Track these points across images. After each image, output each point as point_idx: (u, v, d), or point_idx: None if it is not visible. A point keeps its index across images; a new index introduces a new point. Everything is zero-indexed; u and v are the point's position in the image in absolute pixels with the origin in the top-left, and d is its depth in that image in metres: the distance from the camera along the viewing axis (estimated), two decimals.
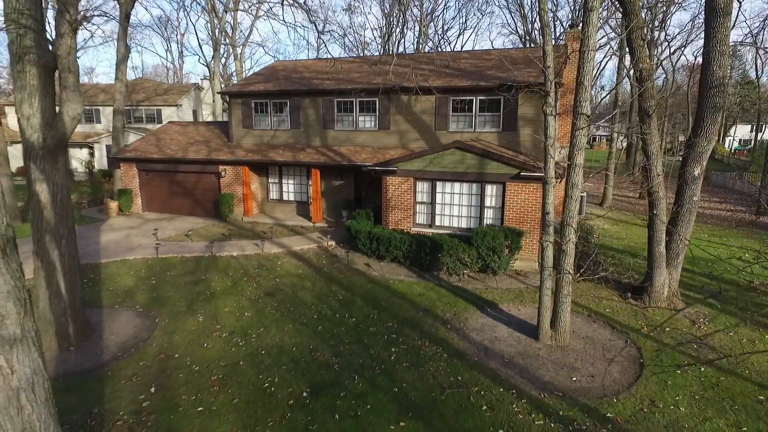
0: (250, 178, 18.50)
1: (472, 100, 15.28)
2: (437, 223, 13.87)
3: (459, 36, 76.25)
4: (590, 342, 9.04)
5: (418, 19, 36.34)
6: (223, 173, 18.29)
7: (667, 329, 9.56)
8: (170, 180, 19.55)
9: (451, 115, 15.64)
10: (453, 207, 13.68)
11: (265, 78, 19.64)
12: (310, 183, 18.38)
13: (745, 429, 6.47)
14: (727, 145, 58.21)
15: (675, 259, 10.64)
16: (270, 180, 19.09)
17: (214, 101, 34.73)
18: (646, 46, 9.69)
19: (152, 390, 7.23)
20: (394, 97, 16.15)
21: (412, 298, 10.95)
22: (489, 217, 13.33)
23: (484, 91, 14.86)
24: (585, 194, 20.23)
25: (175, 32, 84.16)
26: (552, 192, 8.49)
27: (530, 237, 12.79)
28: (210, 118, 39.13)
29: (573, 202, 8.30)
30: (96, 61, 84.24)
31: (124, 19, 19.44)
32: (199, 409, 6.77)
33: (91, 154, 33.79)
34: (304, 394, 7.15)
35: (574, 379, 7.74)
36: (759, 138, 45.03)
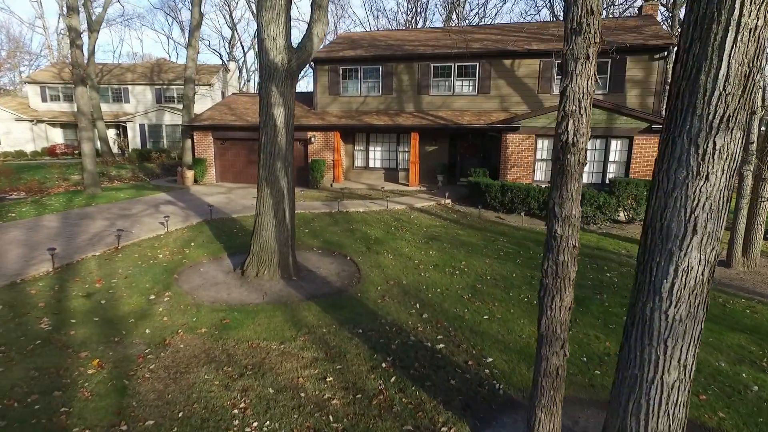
0: (339, 145, 18.45)
1: None
2: None
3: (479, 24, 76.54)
4: None
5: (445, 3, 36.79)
6: (312, 139, 18.18)
7: None
8: (249, 148, 19.26)
9: (556, 78, 16.08)
10: None
11: (348, 46, 19.59)
12: (399, 149, 18.50)
13: None
14: None
15: None
16: (356, 147, 19.09)
17: (249, 81, 34.31)
18: None
19: (417, 306, 7.32)
20: (495, 62, 16.47)
21: None
22: (611, 171, 13.82)
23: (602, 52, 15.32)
24: None
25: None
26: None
27: None
28: None
29: None
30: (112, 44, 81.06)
31: None
32: (485, 317, 6.92)
33: (118, 135, 32.69)
34: None
35: None
36: None
